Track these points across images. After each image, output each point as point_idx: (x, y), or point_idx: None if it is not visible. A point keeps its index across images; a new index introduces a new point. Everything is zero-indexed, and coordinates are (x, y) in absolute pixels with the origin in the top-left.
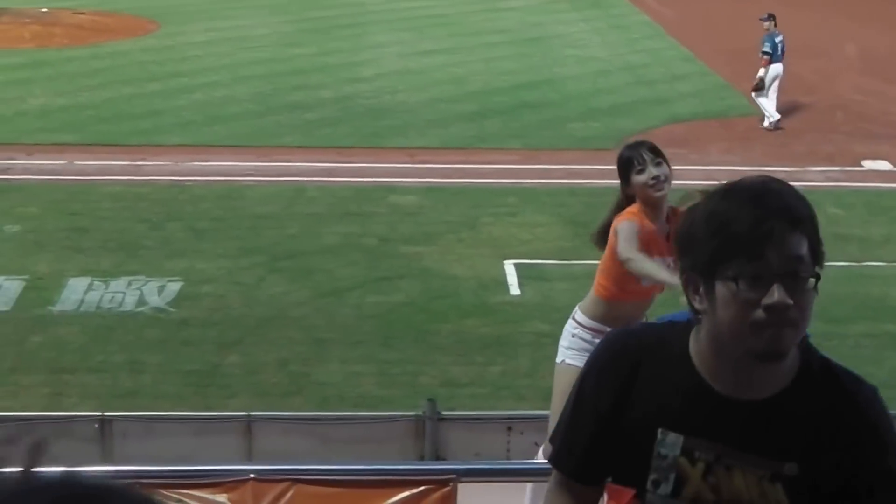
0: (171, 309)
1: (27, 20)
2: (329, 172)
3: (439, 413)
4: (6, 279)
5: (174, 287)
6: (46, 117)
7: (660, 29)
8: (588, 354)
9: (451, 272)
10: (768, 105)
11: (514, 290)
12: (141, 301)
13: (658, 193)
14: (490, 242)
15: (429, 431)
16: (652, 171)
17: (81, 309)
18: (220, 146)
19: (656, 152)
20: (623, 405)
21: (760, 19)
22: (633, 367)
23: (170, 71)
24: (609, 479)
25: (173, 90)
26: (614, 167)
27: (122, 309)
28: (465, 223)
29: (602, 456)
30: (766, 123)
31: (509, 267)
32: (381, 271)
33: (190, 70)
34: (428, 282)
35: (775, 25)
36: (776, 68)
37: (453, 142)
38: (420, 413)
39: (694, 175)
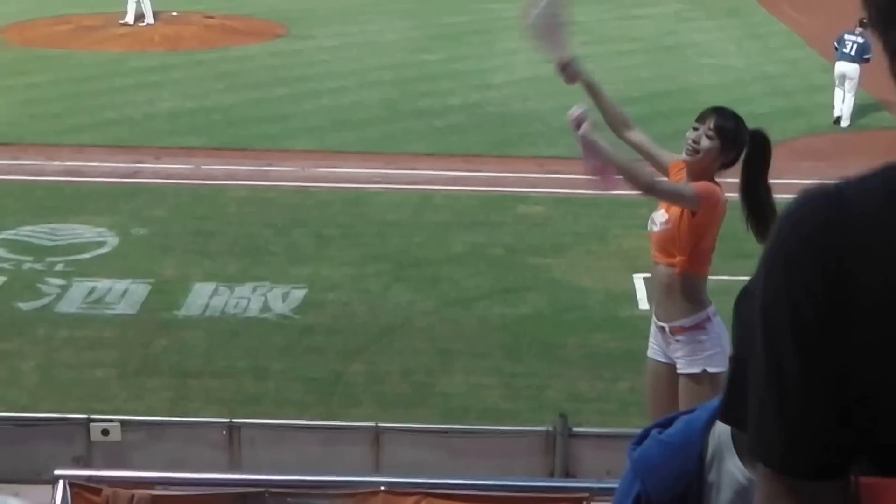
0: (296, 315)
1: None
2: (456, 181)
3: (570, 429)
4: (133, 282)
5: (299, 293)
6: (175, 121)
7: (798, 39)
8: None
9: (580, 284)
10: None
11: (644, 304)
12: (265, 307)
13: (685, 156)
14: (620, 255)
15: (560, 447)
16: (693, 133)
17: (206, 314)
18: (348, 152)
19: (718, 127)
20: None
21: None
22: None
23: (298, 75)
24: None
25: (301, 95)
26: None
27: (246, 314)
28: (595, 235)
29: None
30: None
31: (639, 280)
32: (508, 282)
33: (318, 75)
34: (555, 294)
35: None
36: None
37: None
38: (550, 428)
39: None
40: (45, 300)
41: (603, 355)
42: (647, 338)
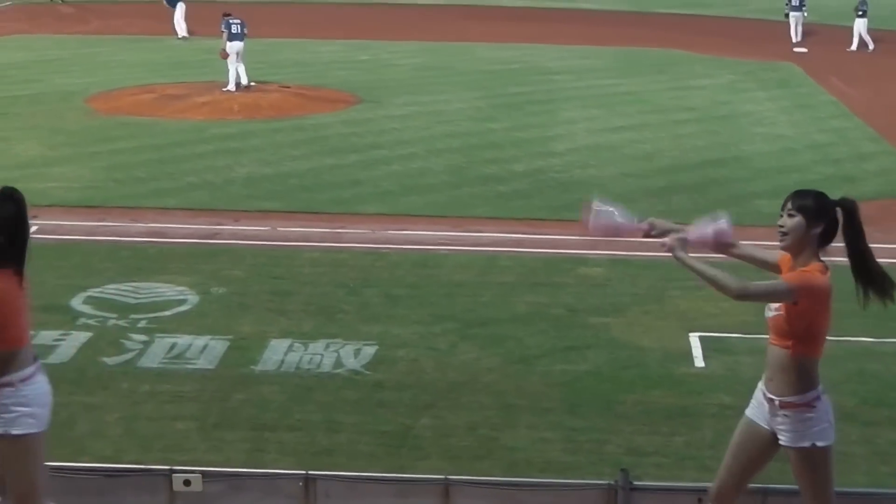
0: (367, 371)
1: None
2: (520, 243)
3: (631, 483)
4: (212, 339)
5: (370, 350)
6: (252, 185)
7: (845, 109)
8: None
9: (638, 343)
10: None
11: (699, 362)
12: (338, 363)
13: (780, 242)
14: (676, 315)
15: (621, 501)
16: (779, 220)
17: (282, 369)
18: (416, 216)
19: (795, 203)
20: None
21: None
22: None
23: (369, 143)
24: None
25: (372, 161)
26: None
27: (320, 370)
28: (652, 296)
29: None
30: None
31: (694, 339)
32: (569, 340)
33: (388, 142)
34: (614, 352)
35: None
36: None
37: (641, 216)
38: (612, 482)
39: (880, 253)
40: (129, 355)
41: (660, 411)
42: (701, 394)
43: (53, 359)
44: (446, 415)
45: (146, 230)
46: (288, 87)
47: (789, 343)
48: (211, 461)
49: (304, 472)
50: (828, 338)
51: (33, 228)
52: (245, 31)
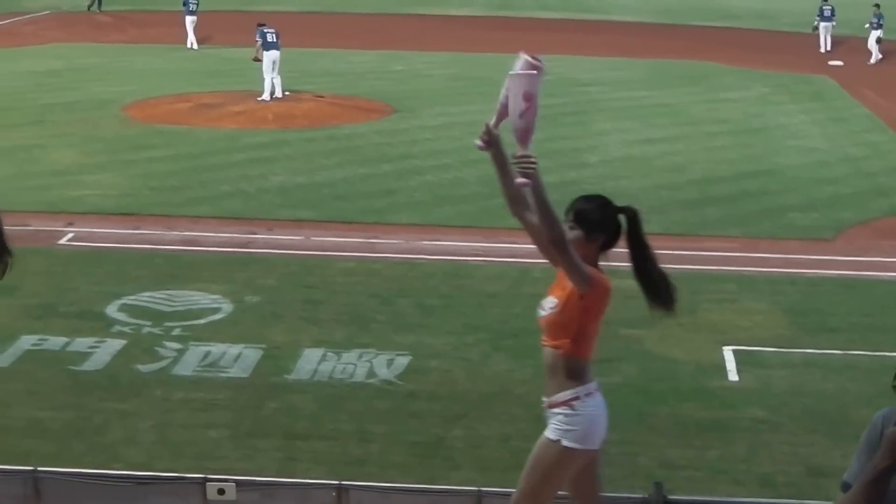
0: (399, 382)
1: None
2: None
3: (665, 496)
4: (245, 347)
5: (403, 361)
6: (286, 194)
7: (880, 122)
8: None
9: (670, 356)
10: None
11: (733, 375)
12: (371, 373)
13: None
14: (709, 328)
15: None
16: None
17: (315, 378)
18: (449, 226)
19: (576, 213)
20: None
21: None
22: None
23: (402, 153)
24: None
25: (405, 171)
26: (835, 258)
27: (352, 380)
28: (685, 308)
29: None
30: None
31: (728, 353)
32: (602, 353)
33: (421, 152)
34: (647, 365)
35: None
36: None
37: (674, 228)
38: (646, 495)
39: None
40: (163, 363)
41: (692, 424)
42: (734, 408)
43: (88, 365)
44: (478, 426)
45: (180, 238)
46: (322, 97)
47: (561, 343)
48: (243, 469)
49: (336, 481)
50: (863, 353)
51: (69, 235)
52: (279, 40)
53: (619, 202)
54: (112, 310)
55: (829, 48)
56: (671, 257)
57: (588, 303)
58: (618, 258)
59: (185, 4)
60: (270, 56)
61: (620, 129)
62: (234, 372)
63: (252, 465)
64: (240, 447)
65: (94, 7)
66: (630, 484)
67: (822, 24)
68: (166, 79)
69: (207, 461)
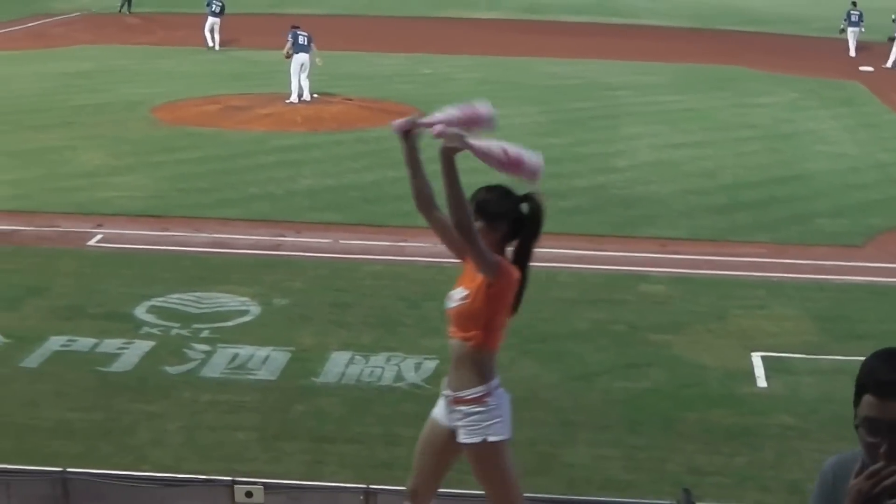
0: (427, 385)
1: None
2: (581, 259)
3: (693, 503)
4: (273, 350)
5: (430, 364)
6: (314, 197)
7: None
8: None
9: (699, 362)
10: None
11: (761, 381)
12: (398, 377)
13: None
14: (738, 334)
15: None
16: None
17: (342, 381)
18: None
19: (478, 204)
20: None
21: None
22: None
23: (431, 156)
24: None
25: (434, 174)
26: (864, 264)
27: (380, 383)
28: (714, 314)
29: None
30: None
31: (756, 359)
32: (630, 358)
33: None
34: (675, 370)
35: None
36: None
37: (703, 233)
38: (674, 501)
39: None
40: (191, 365)
41: (721, 430)
42: (763, 414)
43: (116, 367)
44: None
45: (209, 240)
46: (350, 100)
47: (471, 334)
48: (271, 472)
49: (364, 485)
50: None
51: (98, 237)
52: (311, 44)
53: (642, 207)
54: (140, 311)
55: (854, 53)
56: (700, 262)
57: (495, 291)
58: (647, 263)
59: (208, 5)
60: (299, 59)
61: (649, 133)
62: (261, 374)
63: (279, 467)
64: (267, 449)
65: (125, 9)
66: (658, 490)
67: (850, 30)
68: (195, 81)
69: (235, 463)
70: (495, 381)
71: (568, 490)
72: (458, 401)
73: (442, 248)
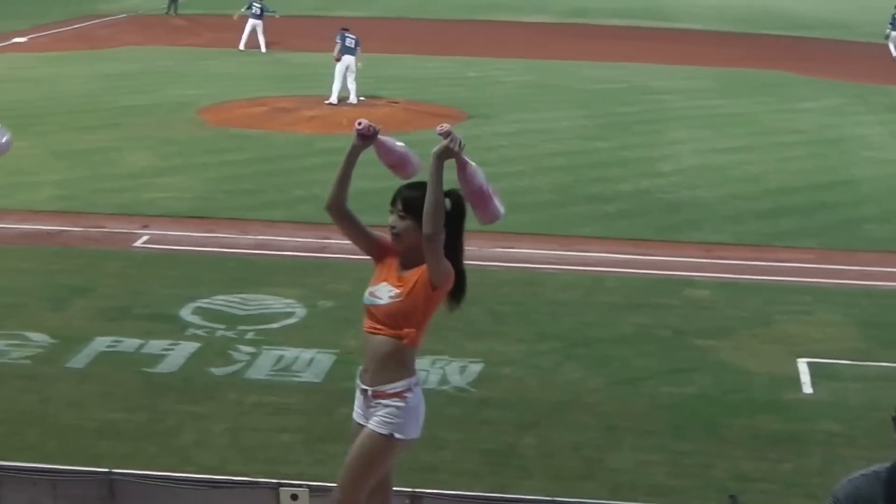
0: (472, 389)
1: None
2: (626, 263)
3: None
4: (318, 352)
5: (475, 368)
6: (360, 199)
7: None
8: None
9: (745, 367)
10: None
11: (807, 388)
12: (444, 380)
13: (392, 242)
14: (784, 339)
15: None
16: (389, 218)
17: None
18: (522, 234)
19: (404, 202)
20: None
21: None
22: None
23: (476, 159)
24: None
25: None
26: None
27: (425, 386)
28: (759, 319)
29: None
30: None
31: (802, 365)
32: (675, 363)
33: (495, 159)
34: (721, 375)
35: None
36: None
37: (748, 238)
38: None
39: None
40: (236, 366)
41: (767, 436)
42: (809, 421)
43: (161, 368)
44: (550, 434)
45: (254, 242)
46: (396, 103)
47: (405, 332)
48: (315, 475)
49: (410, 489)
50: None
51: (143, 238)
52: (358, 48)
53: (687, 211)
54: (186, 312)
55: None
56: (745, 268)
57: (438, 293)
58: (692, 267)
59: (249, 7)
60: (345, 61)
61: (694, 137)
62: (306, 376)
63: (324, 470)
64: (312, 452)
65: (171, 11)
66: (703, 496)
67: (893, 34)
68: (241, 83)
69: (279, 465)
70: (416, 378)
71: (612, 495)
72: (380, 395)
73: (487, 251)
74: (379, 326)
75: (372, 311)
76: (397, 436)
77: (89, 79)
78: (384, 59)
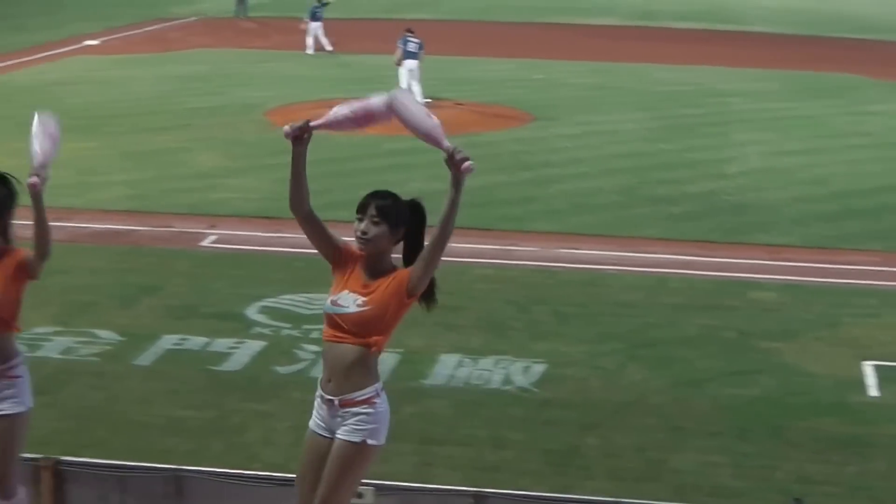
0: (535, 389)
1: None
2: (690, 265)
3: None
4: (383, 352)
5: (539, 368)
6: (425, 200)
7: None
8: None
9: (809, 370)
10: None
11: (873, 391)
12: (507, 380)
13: (361, 248)
14: (849, 342)
15: None
16: (360, 225)
17: (451, 384)
18: (586, 235)
19: (378, 209)
20: None
21: None
22: None
23: (541, 161)
24: None
25: (544, 179)
26: None
27: (488, 386)
28: (825, 322)
29: None
30: None
31: (868, 368)
32: (739, 365)
33: (560, 161)
34: (785, 378)
35: None
36: None
37: (814, 241)
38: None
39: None
40: (301, 365)
41: (831, 439)
42: (875, 424)
43: (227, 366)
44: (613, 435)
45: None
46: (462, 104)
47: (373, 340)
48: (379, 473)
49: (474, 489)
50: None
51: (211, 238)
52: (421, 51)
53: (753, 213)
54: (252, 311)
55: None
56: (811, 270)
57: (412, 301)
58: (757, 270)
59: (312, 15)
60: (408, 65)
61: (760, 140)
62: None
63: (388, 468)
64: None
65: (241, 14)
66: (767, 498)
67: None
68: (308, 85)
69: None
70: (381, 383)
71: (675, 497)
72: (347, 403)
73: (551, 252)
74: (343, 335)
75: (335, 320)
76: (370, 442)
77: (160, 80)
78: (450, 62)
